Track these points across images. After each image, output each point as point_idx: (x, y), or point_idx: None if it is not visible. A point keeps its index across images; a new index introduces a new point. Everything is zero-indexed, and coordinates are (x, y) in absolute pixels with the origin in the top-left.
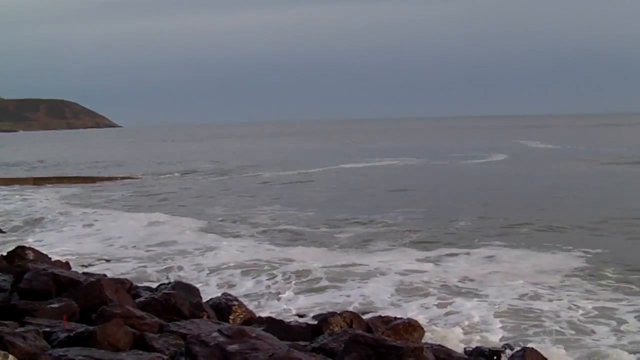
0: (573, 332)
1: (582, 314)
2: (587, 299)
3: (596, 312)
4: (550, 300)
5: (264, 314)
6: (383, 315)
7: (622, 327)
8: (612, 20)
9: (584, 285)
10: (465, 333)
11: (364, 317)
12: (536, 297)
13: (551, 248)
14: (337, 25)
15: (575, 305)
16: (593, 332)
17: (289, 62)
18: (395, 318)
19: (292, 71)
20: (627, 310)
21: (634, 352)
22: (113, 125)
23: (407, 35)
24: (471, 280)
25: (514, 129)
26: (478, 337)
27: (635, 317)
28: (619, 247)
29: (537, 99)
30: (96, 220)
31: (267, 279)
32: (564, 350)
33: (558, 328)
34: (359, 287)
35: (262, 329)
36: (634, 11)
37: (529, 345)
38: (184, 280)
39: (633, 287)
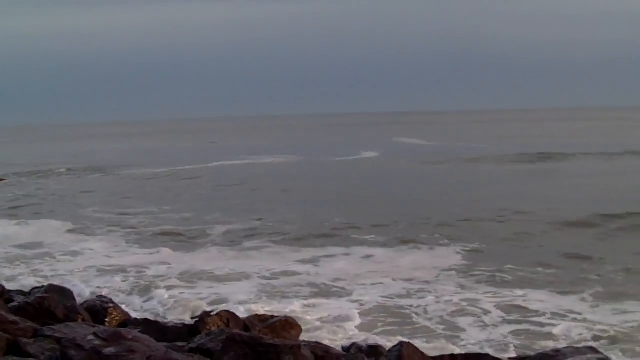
0: (442, 326)
1: (451, 308)
2: (458, 293)
3: (464, 305)
4: (422, 297)
5: (140, 316)
6: (260, 314)
7: (486, 319)
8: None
9: (456, 280)
10: (342, 330)
11: (241, 316)
12: (409, 294)
13: (427, 245)
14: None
15: (445, 300)
16: (459, 325)
17: (136, 60)
18: (273, 316)
19: (144, 69)
20: (492, 304)
21: (493, 342)
22: None
23: (264, 32)
24: (344, 279)
25: (398, 125)
26: (354, 334)
27: (497, 308)
28: (491, 242)
29: (423, 96)
30: None
31: (138, 280)
32: (431, 344)
33: (427, 323)
34: (226, 286)
35: (139, 331)
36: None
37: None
38: (57, 283)
39: (501, 280)
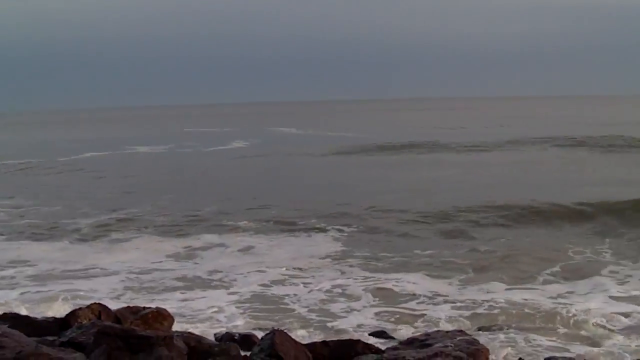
0: (315, 313)
1: (324, 296)
2: (332, 279)
3: (338, 291)
4: (297, 285)
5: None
6: (132, 305)
7: (358, 304)
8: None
9: (331, 267)
10: (215, 321)
11: (112, 308)
12: (284, 282)
13: (305, 233)
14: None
15: (320, 287)
16: (332, 311)
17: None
18: (144, 308)
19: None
20: (365, 289)
21: (366, 328)
22: None
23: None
24: (220, 271)
25: (280, 115)
26: (227, 324)
27: (370, 293)
28: (364, 230)
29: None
30: None
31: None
32: (304, 331)
33: (301, 311)
34: (92, 281)
35: (8, 326)
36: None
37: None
38: None
39: (374, 266)
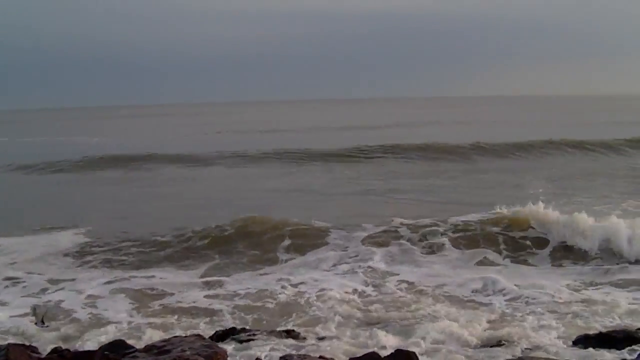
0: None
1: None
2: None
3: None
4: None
5: None
6: None
7: (111, 304)
8: None
9: (72, 267)
10: None
11: None
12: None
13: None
14: None
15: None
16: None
17: None
18: None
19: None
20: (112, 288)
21: (130, 329)
22: None
23: None
24: None
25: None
26: None
27: (125, 294)
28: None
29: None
30: None
31: None
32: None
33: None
34: None
35: None
36: None
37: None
38: None
39: (119, 262)
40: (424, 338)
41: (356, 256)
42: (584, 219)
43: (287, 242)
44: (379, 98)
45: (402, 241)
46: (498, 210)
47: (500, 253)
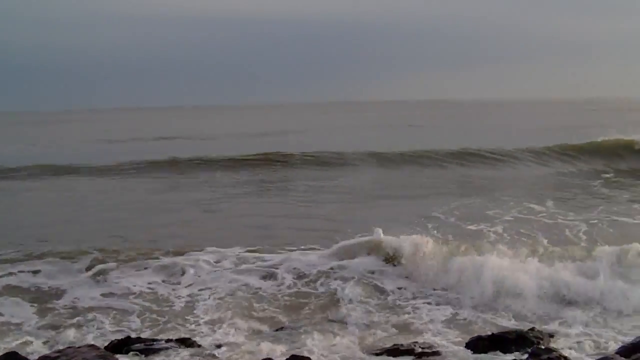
0: None
1: None
2: None
3: None
4: None
5: None
6: None
7: None
8: None
9: None
10: None
11: None
12: None
13: None
14: None
15: None
16: None
17: None
18: None
19: None
20: None
21: None
22: None
23: None
24: None
25: None
26: None
27: None
28: None
29: None
30: None
31: None
32: None
33: None
34: None
35: None
36: None
37: None
38: None
39: None
40: (316, 345)
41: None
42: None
43: None
44: (275, 104)
45: None
46: None
47: None
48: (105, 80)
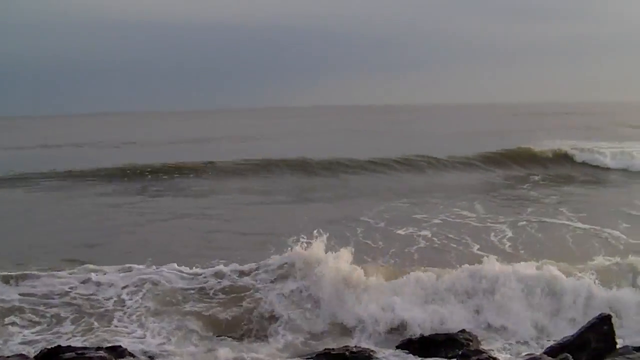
0: None
1: None
2: None
3: None
4: None
5: None
6: None
7: None
8: None
9: None
10: None
11: None
12: None
13: None
14: None
15: None
16: None
17: None
18: None
19: None
20: None
21: None
22: None
23: None
24: None
25: None
26: None
27: None
28: None
29: None
30: None
31: None
32: None
33: None
34: None
35: None
36: None
37: None
38: None
39: None
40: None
41: None
42: None
43: None
44: (210, 110)
45: None
46: None
47: None
48: (74, 85)
